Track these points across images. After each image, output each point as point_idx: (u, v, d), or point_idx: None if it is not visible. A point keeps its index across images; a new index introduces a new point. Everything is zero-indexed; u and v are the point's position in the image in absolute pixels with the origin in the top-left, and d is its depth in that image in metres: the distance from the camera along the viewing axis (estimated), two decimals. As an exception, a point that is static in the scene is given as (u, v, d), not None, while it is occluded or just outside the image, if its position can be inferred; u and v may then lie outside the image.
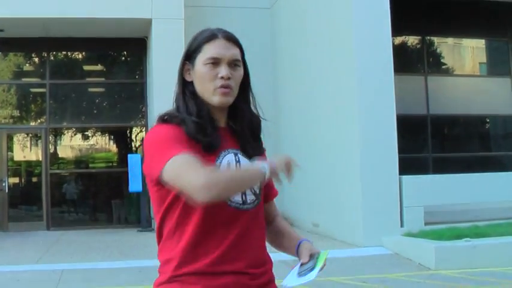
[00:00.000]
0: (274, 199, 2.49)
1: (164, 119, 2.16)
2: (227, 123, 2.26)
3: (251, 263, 2.14)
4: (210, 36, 2.18)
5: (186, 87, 2.22)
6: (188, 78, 2.21)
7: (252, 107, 2.31)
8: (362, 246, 10.42)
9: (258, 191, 2.21)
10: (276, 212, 2.48)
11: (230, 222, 2.10)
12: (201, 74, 2.16)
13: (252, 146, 2.25)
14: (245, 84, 2.27)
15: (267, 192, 2.36)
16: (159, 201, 2.13)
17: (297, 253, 2.25)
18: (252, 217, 2.18)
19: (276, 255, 2.37)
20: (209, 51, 2.15)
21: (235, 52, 2.19)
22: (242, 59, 2.24)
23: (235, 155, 2.19)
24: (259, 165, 1.97)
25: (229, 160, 2.16)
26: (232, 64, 2.17)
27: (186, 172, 1.91)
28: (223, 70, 2.13)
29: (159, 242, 2.18)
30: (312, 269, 2.10)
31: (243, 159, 2.20)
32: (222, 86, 2.13)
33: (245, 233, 2.13)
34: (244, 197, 2.14)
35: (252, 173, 1.99)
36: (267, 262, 2.25)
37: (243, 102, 2.27)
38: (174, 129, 2.09)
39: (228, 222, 2.10)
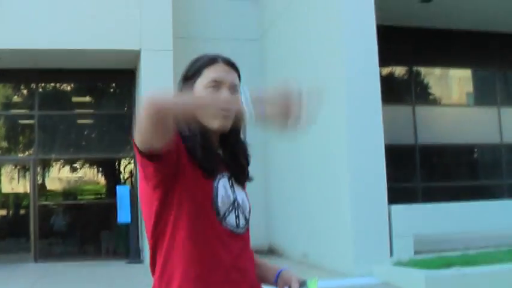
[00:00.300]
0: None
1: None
2: (218, 148, 2.26)
3: (250, 285, 2.17)
4: (210, 60, 2.20)
5: None
6: None
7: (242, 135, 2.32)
8: (352, 275, 10.38)
9: (247, 216, 2.24)
10: None
11: (228, 244, 2.12)
12: None
13: (241, 173, 2.27)
14: None
15: None
16: (156, 217, 2.10)
17: (276, 282, 2.29)
18: (244, 241, 2.21)
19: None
20: (210, 74, 2.16)
21: (235, 77, 2.21)
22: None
23: (229, 179, 2.21)
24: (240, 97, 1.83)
25: (224, 184, 2.17)
26: (232, 89, 2.18)
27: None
28: (224, 93, 2.14)
29: (152, 260, 2.16)
30: None
31: (235, 185, 2.23)
32: (223, 110, 2.11)
33: (241, 256, 2.15)
34: (237, 220, 2.16)
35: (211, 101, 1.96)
36: (258, 285, 2.27)
37: (234, 128, 2.25)
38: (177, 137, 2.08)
39: (226, 244, 2.11)
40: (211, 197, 2.10)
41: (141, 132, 1.87)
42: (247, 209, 2.25)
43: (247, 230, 2.24)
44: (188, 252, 2.06)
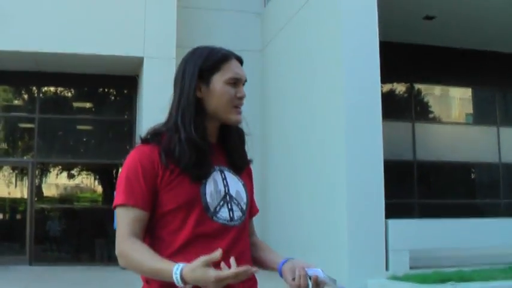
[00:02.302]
0: (254, 218, 2.50)
1: (145, 139, 2.20)
2: (217, 139, 2.31)
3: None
4: (226, 56, 2.26)
5: (198, 105, 2.22)
6: (199, 95, 2.22)
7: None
8: (347, 288, 10.36)
9: (244, 207, 2.25)
10: (253, 229, 2.50)
11: (217, 238, 2.13)
12: (220, 92, 2.20)
13: (238, 163, 2.31)
14: None
15: (249, 209, 2.39)
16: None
17: (280, 270, 2.24)
18: (239, 232, 2.21)
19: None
20: (230, 70, 2.23)
21: (244, 73, 2.30)
22: None
23: (221, 172, 2.23)
24: (173, 268, 1.95)
25: (215, 178, 2.19)
26: (243, 85, 2.29)
27: (117, 231, 2.12)
28: (242, 91, 2.24)
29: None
30: None
31: (230, 176, 2.25)
32: (239, 106, 2.23)
33: (232, 248, 2.15)
34: (231, 213, 2.18)
35: (161, 272, 1.99)
36: (252, 277, 2.26)
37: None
38: (143, 159, 2.13)
39: (215, 238, 2.13)
40: (199, 195, 2.13)
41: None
42: (244, 201, 2.26)
43: (244, 221, 2.25)
44: (178, 246, 2.12)
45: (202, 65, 2.23)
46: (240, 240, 2.20)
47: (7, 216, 15.88)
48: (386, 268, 10.61)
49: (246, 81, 2.27)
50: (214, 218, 2.14)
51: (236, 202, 2.22)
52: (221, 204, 2.17)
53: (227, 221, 2.16)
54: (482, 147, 15.73)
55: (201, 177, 2.14)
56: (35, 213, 14.79)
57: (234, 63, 2.26)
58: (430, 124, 15.90)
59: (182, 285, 1.91)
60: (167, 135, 2.17)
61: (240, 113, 2.23)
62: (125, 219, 2.10)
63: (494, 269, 10.43)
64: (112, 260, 14.67)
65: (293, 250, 12.99)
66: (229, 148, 2.30)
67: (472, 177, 16.80)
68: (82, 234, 15.49)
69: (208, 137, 2.22)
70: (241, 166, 2.31)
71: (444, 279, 9.40)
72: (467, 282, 9.34)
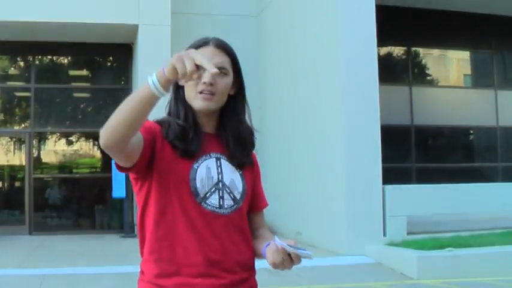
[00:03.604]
0: (263, 210, 2.47)
1: (154, 121, 2.21)
2: (216, 130, 2.28)
3: (226, 267, 2.14)
4: (202, 42, 2.23)
5: (178, 92, 2.26)
6: (180, 83, 2.23)
7: (247, 118, 2.33)
8: (345, 254, 10.45)
9: (238, 197, 2.22)
10: (262, 223, 2.44)
11: (204, 224, 2.13)
12: None
13: (238, 155, 2.26)
14: (236, 94, 2.29)
15: (255, 202, 2.38)
16: (138, 199, 2.20)
17: (264, 255, 2.14)
18: (231, 222, 2.19)
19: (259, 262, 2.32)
20: None
21: (222, 60, 2.20)
22: (235, 68, 2.26)
23: (218, 159, 2.22)
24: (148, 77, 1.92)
25: (209, 165, 2.19)
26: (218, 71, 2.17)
27: None
28: (206, 76, 2.13)
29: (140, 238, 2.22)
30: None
31: (226, 164, 2.23)
32: (203, 92, 2.16)
33: (220, 237, 2.14)
34: (221, 201, 2.17)
35: (139, 93, 1.94)
36: (249, 269, 2.24)
37: (230, 110, 2.28)
38: (148, 124, 2.14)
39: (202, 224, 2.12)
40: (187, 179, 2.12)
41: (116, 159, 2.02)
42: (238, 190, 2.22)
43: (237, 210, 2.21)
44: (164, 233, 2.12)
45: None
46: (227, 229, 2.16)
47: (6, 185, 15.91)
48: (384, 234, 10.68)
49: (221, 67, 2.16)
50: (203, 204, 2.13)
51: (228, 191, 2.20)
52: (212, 191, 2.16)
53: (216, 208, 2.15)
54: (480, 110, 15.69)
55: (187, 153, 2.14)
56: (33, 182, 14.82)
57: (207, 49, 2.19)
58: (427, 88, 15.84)
59: (159, 85, 1.87)
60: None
61: (206, 99, 2.15)
62: None
63: (492, 234, 10.51)
64: (112, 227, 14.79)
65: (291, 217, 13.07)
66: (223, 139, 2.27)
67: (470, 141, 16.80)
68: (81, 202, 15.55)
69: (199, 125, 2.21)
70: (239, 162, 2.27)
71: (442, 245, 9.47)
72: (465, 248, 9.42)
